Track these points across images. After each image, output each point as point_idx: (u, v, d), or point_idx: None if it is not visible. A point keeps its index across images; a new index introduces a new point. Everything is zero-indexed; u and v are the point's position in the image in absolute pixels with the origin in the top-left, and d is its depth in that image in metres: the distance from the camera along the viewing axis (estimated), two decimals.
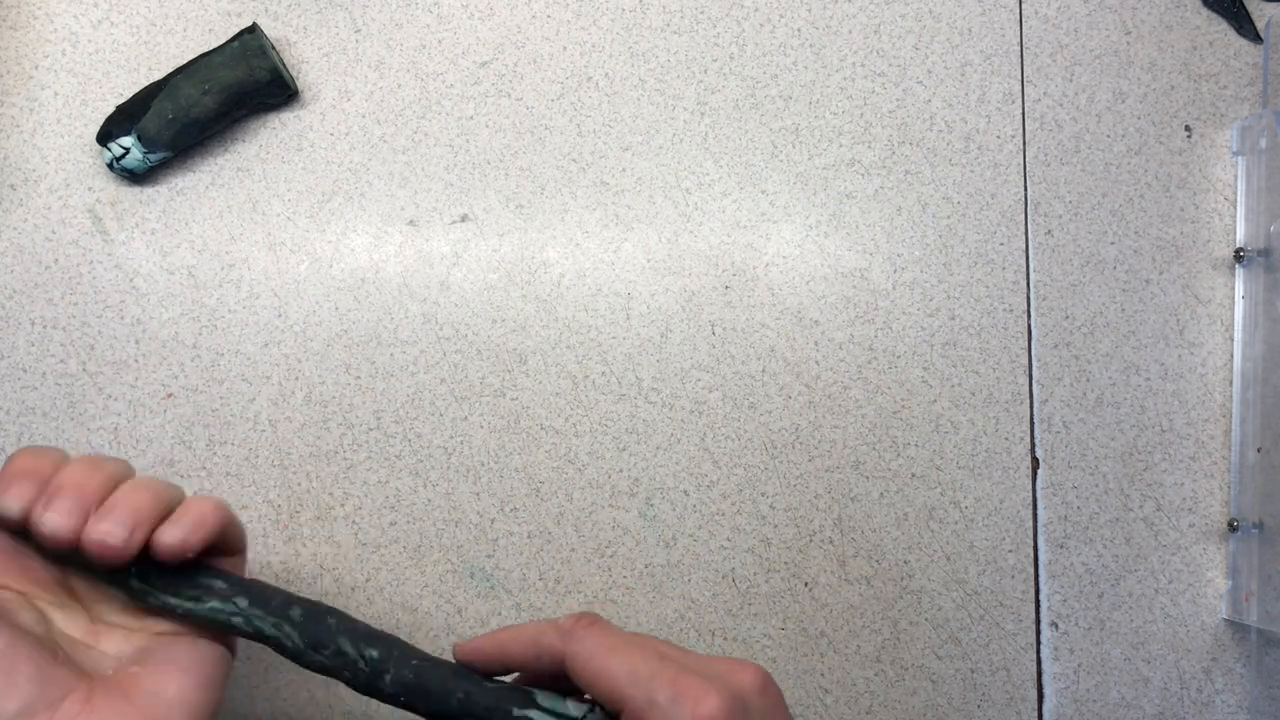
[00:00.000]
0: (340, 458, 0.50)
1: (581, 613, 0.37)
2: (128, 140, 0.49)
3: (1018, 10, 0.54)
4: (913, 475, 0.51)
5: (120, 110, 0.50)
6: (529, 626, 0.37)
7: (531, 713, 0.36)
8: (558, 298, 0.52)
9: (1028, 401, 0.52)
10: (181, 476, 0.50)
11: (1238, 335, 0.52)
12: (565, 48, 0.53)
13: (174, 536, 0.36)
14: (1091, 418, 0.52)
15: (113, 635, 0.37)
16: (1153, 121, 0.53)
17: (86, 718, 0.34)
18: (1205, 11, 0.54)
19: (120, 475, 0.37)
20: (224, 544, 0.38)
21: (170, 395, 0.50)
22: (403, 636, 0.50)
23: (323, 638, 0.37)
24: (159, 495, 0.36)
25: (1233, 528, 0.51)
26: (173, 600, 0.37)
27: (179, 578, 0.37)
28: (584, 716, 0.36)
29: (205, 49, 0.51)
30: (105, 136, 0.50)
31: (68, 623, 0.37)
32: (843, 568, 0.51)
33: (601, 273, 0.52)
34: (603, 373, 0.51)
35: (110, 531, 0.35)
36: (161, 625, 0.38)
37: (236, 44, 0.50)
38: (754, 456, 0.51)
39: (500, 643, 0.37)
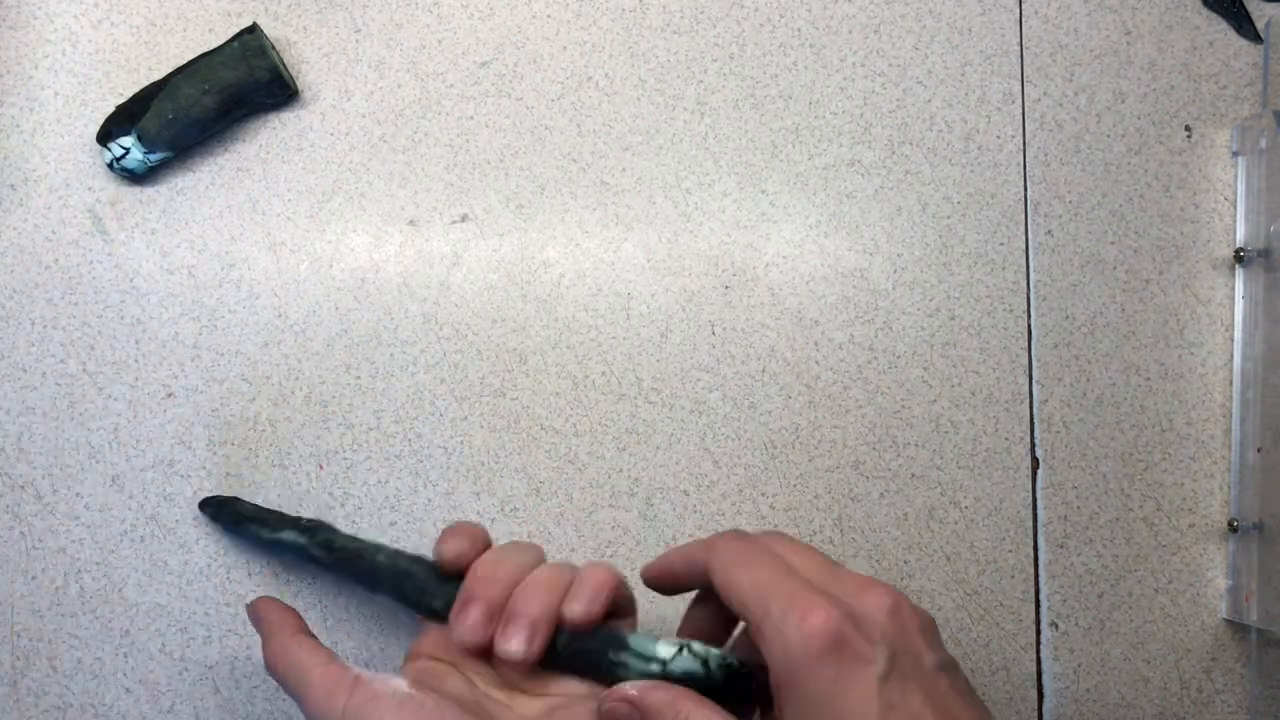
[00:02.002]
0: (340, 458, 0.50)
1: (730, 529, 0.40)
2: (128, 140, 0.49)
3: (1018, 10, 0.54)
4: (913, 475, 0.51)
5: (120, 110, 0.50)
6: (690, 545, 0.40)
7: (624, 656, 0.38)
8: (558, 298, 0.52)
9: (1028, 401, 0.52)
10: (181, 476, 0.50)
11: (1238, 335, 0.52)
12: (565, 48, 0.53)
13: (577, 612, 0.38)
14: (1091, 418, 0.52)
15: (526, 698, 0.40)
16: (1153, 121, 0.53)
17: None
18: (1205, 11, 0.54)
19: (522, 572, 0.40)
20: (617, 608, 0.41)
21: (170, 395, 0.50)
22: (402, 636, 0.50)
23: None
24: (555, 584, 0.39)
25: (1233, 528, 0.51)
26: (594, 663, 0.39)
27: (585, 643, 0.39)
28: (672, 658, 0.37)
29: (205, 49, 0.51)
30: (105, 136, 0.50)
31: (489, 686, 0.40)
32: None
33: (601, 273, 0.52)
34: (603, 373, 0.51)
35: (513, 650, 0.38)
36: (568, 689, 0.40)
37: (236, 44, 0.50)
38: (754, 456, 0.51)
39: (669, 562, 0.41)
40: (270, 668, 0.40)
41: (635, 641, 0.38)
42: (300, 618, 0.42)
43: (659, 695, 0.36)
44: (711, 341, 0.51)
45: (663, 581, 0.42)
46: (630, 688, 0.37)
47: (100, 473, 0.50)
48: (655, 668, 0.37)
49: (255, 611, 0.43)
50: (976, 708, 0.34)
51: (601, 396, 0.51)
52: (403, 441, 0.51)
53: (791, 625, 0.33)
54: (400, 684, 0.38)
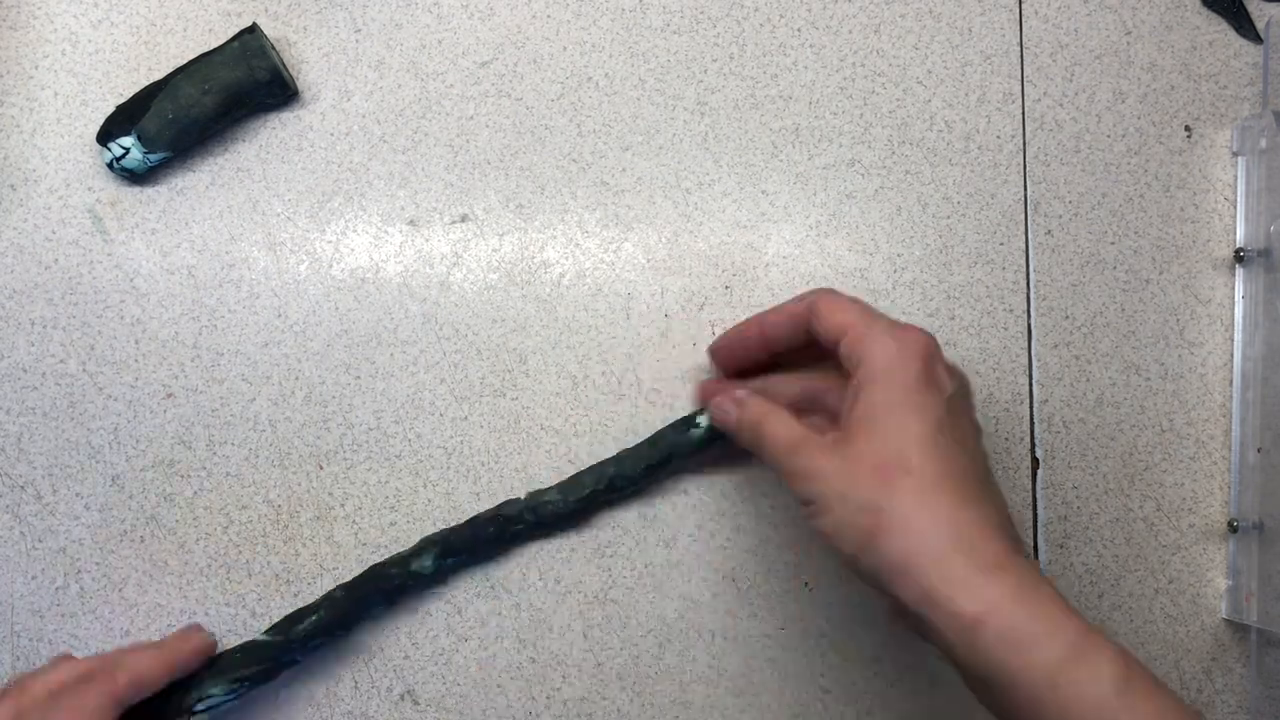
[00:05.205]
0: (340, 458, 0.50)
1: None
2: (128, 140, 0.49)
3: (1017, 10, 0.54)
4: None
5: (120, 110, 0.50)
6: (782, 307, 0.46)
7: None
8: (558, 298, 0.52)
9: (1027, 401, 0.52)
10: (181, 476, 0.50)
11: (1238, 335, 0.52)
12: (565, 48, 0.53)
13: None
14: (1091, 418, 0.52)
15: None
16: (1153, 121, 0.53)
17: None
18: (1205, 11, 0.54)
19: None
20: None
21: (170, 395, 0.50)
22: (402, 637, 0.50)
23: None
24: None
25: (1233, 528, 0.51)
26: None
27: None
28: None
29: (205, 49, 0.51)
30: (105, 136, 0.50)
31: None
32: (843, 567, 0.51)
33: (601, 273, 0.52)
34: (603, 373, 0.51)
35: None
36: None
37: (236, 44, 0.50)
38: (754, 456, 0.51)
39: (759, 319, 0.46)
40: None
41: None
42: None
43: (757, 405, 0.44)
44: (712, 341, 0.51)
45: (735, 350, 0.48)
46: (740, 390, 0.45)
47: (100, 473, 0.50)
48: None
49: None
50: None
51: (601, 396, 0.51)
52: (403, 441, 0.51)
53: (896, 335, 0.41)
54: None
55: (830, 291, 0.44)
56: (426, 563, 0.48)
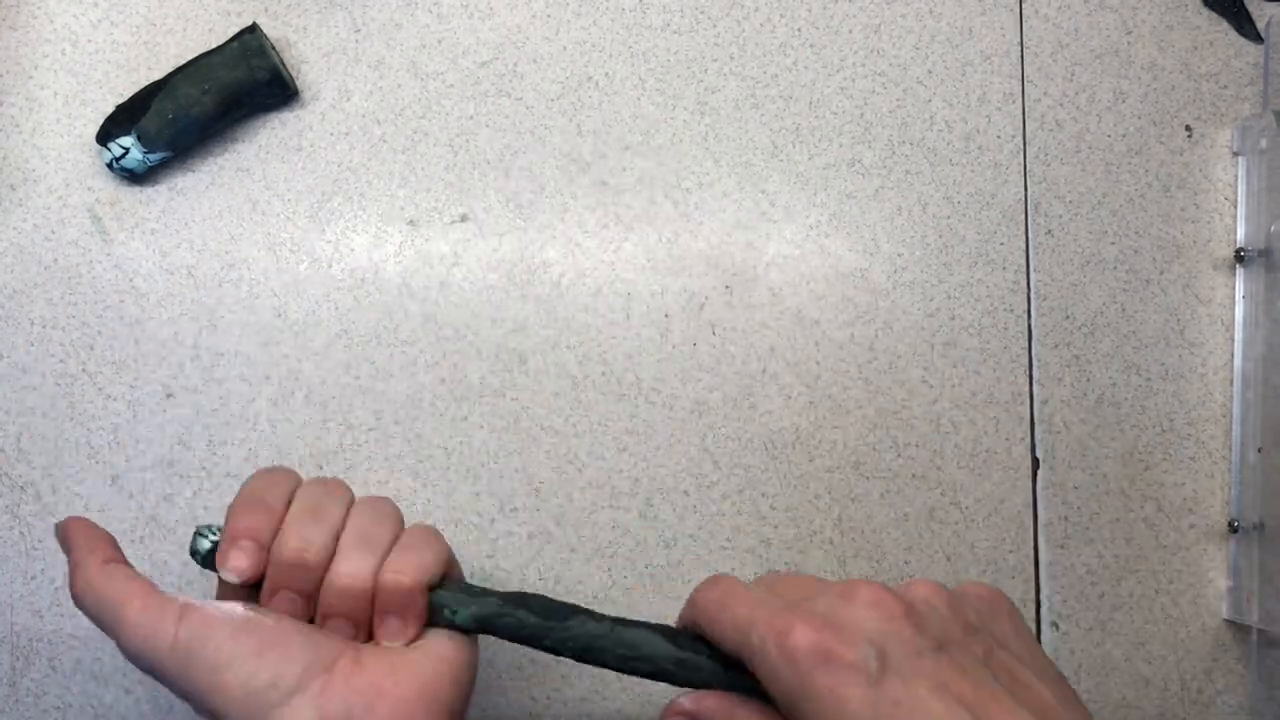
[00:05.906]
0: (340, 458, 0.50)
1: (708, 577, 0.38)
2: (127, 140, 0.49)
3: (1018, 10, 0.53)
4: (913, 475, 0.51)
5: (120, 110, 0.50)
6: (681, 613, 0.39)
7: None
8: (558, 298, 0.51)
9: (1028, 401, 0.52)
10: (181, 476, 0.50)
11: (1238, 335, 0.52)
12: (565, 48, 0.53)
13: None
14: (1092, 418, 0.52)
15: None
16: (1153, 121, 0.53)
17: (358, 677, 0.36)
18: (1206, 11, 0.54)
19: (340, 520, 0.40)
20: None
21: (170, 395, 0.50)
22: None
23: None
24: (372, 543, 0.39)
25: (1233, 528, 0.51)
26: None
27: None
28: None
29: (205, 49, 0.51)
30: (105, 136, 0.50)
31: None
32: (843, 568, 0.51)
33: (601, 273, 0.52)
34: (603, 373, 0.51)
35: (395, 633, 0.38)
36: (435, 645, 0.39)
37: (236, 44, 0.50)
38: (754, 457, 0.51)
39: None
40: (78, 601, 0.36)
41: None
42: (114, 543, 0.38)
43: (712, 703, 0.36)
44: (711, 341, 0.51)
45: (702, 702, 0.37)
46: (685, 699, 0.36)
47: (100, 473, 0.50)
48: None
49: (63, 533, 0.38)
50: (1015, 666, 0.33)
51: (601, 396, 0.51)
52: (403, 442, 0.51)
53: (772, 650, 0.32)
54: (235, 607, 0.36)
55: (706, 593, 0.37)
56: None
